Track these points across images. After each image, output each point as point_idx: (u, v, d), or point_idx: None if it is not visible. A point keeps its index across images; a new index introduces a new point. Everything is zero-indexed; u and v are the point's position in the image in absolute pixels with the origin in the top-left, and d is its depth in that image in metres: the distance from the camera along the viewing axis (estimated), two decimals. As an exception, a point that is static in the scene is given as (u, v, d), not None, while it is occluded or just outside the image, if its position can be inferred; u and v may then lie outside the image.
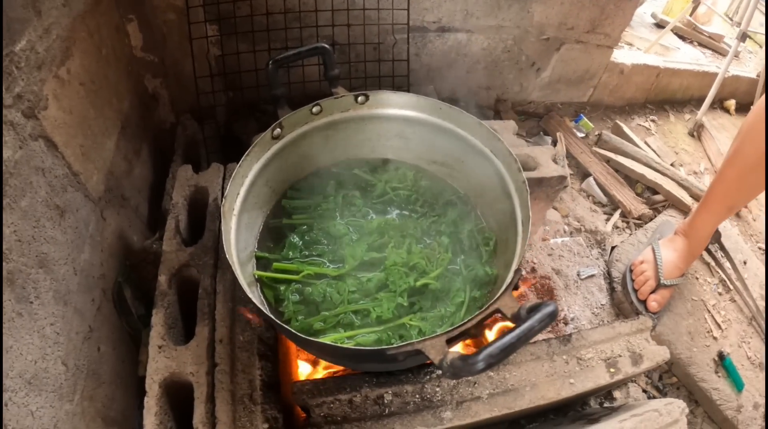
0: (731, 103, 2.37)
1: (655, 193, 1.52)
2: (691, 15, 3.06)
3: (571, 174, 1.47)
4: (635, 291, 1.18)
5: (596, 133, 1.65)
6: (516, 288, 0.50)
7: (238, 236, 0.64)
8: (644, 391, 1.19)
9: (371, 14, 1.18)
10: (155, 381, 0.61)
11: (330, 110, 0.74)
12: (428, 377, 0.65)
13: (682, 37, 2.87)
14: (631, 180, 1.57)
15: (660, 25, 2.86)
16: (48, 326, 0.66)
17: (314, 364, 0.79)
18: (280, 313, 0.66)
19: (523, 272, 1.03)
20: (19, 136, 0.64)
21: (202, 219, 0.81)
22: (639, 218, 1.42)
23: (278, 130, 0.70)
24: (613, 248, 1.33)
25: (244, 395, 0.61)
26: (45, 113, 0.71)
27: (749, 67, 2.51)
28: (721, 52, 2.78)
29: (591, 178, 1.43)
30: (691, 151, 1.90)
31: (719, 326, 1.32)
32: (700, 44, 2.91)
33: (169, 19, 1.08)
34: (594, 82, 1.68)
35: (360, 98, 0.74)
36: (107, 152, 0.92)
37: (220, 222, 0.62)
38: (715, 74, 2.08)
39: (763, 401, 1.25)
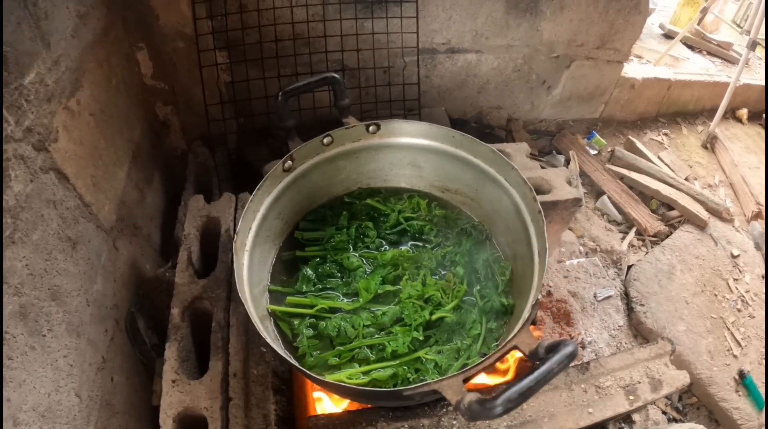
0: (743, 113, 2.37)
1: (671, 208, 1.52)
2: (698, 24, 3.06)
3: (585, 193, 1.47)
4: None
5: (609, 149, 1.65)
6: (533, 323, 0.50)
7: (251, 271, 0.65)
8: (664, 413, 1.19)
9: (380, 38, 1.19)
10: (169, 416, 0.62)
11: (341, 140, 0.75)
12: (444, 410, 0.64)
13: (691, 47, 2.87)
14: (645, 196, 1.57)
15: (668, 36, 2.87)
16: (61, 358, 0.67)
17: (330, 397, 0.79)
18: (294, 348, 0.66)
19: (540, 297, 1.03)
20: (29, 169, 0.65)
21: (215, 250, 0.82)
22: (655, 235, 1.42)
23: (289, 162, 0.71)
24: (629, 268, 1.32)
25: (263, 423, 0.61)
26: (55, 145, 0.72)
27: (760, 75, 2.50)
28: (730, 61, 2.78)
29: (605, 197, 1.43)
30: (705, 164, 1.89)
31: (739, 344, 1.31)
32: (710, 53, 2.92)
33: (179, 47, 1.10)
34: (605, 97, 1.69)
35: (371, 128, 0.75)
36: (119, 182, 0.93)
37: (233, 255, 0.62)
38: (727, 84, 2.08)
39: None
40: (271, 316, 0.68)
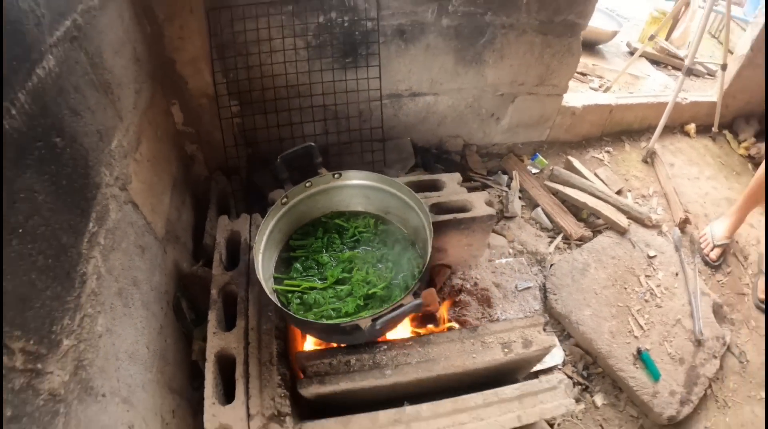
0: (691, 127, 2.78)
1: (598, 217, 1.97)
2: (667, 39, 3.47)
3: (523, 205, 1.92)
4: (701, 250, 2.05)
5: (550, 168, 2.10)
6: (416, 294, 0.94)
7: (263, 266, 1.10)
8: (569, 377, 1.63)
9: (355, 88, 1.65)
10: (211, 353, 1.07)
11: (317, 184, 1.19)
12: (378, 349, 1.09)
13: (657, 63, 3.29)
14: (578, 208, 2.01)
15: (634, 54, 3.28)
16: (138, 323, 1.11)
17: (309, 341, 1.25)
18: (288, 310, 1.12)
19: (469, 285, 1.47)
20: (118, 203, 1.10)
21: (237, 252, 1.28)
22: (580, 240, 1.85)
23: (285, 198, 1.16)
24: (551, 265, 1.77)
25: (266, 360, 1.06)
26: (131, 186, 1.17)
27: (711, 92, 2.90)
28: (695, 73, 3.19)
29: (539, 208, 1.88)
30: (642, 177, 2.32)
31: (641, 327, 1.74)
32: (675, 68, 3.32)
33: (203, 103, 1.56)
34: (549, 123, 2.13)
35: (335, 175, 1.19)
36: (165, 206, 1.38)
37: (250, 256, 1.08)
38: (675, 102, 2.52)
39: (679, 389, 1.68)
40: (274, 293, 1.12)
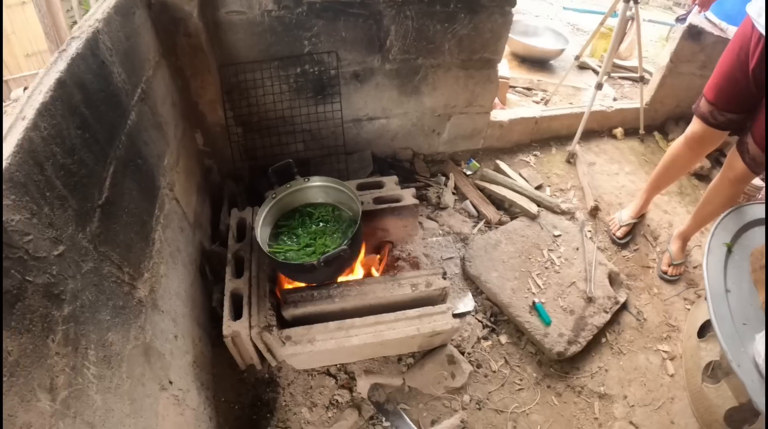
0: (618, 131, 3.47)
1: (515, 207, 2.71)
2: (614, 54, 4.18)
3: (456, 199, 2.67)
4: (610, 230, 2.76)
5: (481, 170, 2.85)
6: (349, 248, 1.69)
7: (261, 237, 1.85)
8: (481, 321, 2.36)
9: (327, 116, 2.42)
10: (228, 291, 1.80)
11: (294, 185, 1.90)
12: (332, 287, 1.82)
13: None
14: (501, 200, 2.74)
15: (582, 67, 4.00)
16: (180, 275, 1.78)
17: (288, 282, 2.01)
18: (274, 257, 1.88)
19: (404, 256, 2.22)
20: (169, 199, 1.83)
21: (244, 231, 2.04)
22: (498, 223, 2.60)
23: (274, 195, 1.91)
24: (471, 242, 2.53)
25: (262, 295, 1.79)
26: (175, 188, 1.90)
27: (635, 100, 3.47)
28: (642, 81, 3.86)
29: (467, 201, 2.63)
30: (563, 175, 3.04)
31: (539, 287, 2.46)
32: (622, 78, 4.04)
33: (217, 130, 2.30)
34: (482, 135, 2.87)
35: (305, 179, 1.92)
36: (193, 202, 2.13)
37: (253, 233, 1.84)
38: (600, 111, 3.26)
39: (567, 332, 2.39)
40: (267, 254, 1.89)
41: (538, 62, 3.99)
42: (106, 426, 1.08)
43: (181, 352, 1.61)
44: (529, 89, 3.63)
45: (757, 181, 3.01)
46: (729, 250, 2.12)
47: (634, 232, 2.90)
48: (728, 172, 2.35)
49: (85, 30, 1.32)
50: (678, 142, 2.50)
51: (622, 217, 2.86)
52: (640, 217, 2.97)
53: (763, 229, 2.22)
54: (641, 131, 3.43)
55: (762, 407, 1.68)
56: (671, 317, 2.60)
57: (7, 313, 0.83)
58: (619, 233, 2.82)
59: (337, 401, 1.94)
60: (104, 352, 1.12)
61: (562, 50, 3.85)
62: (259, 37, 2.13)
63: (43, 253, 0.94)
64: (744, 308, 1.93)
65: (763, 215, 2.26)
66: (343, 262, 1.78)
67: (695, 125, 2.37)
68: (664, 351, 2.46)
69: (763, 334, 1.80)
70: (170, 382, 1.46)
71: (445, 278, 1.93)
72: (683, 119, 3.56)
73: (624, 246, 2.85)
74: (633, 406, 2.26)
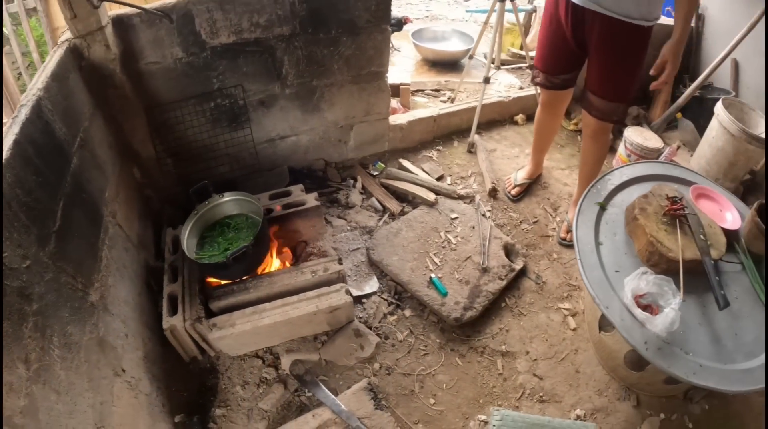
0: (519, 117, 4.02)
1: (416, 199, 3.29)
2: (522, 47, 4.74)
3: (363, 198, 3.24)
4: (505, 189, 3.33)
5: (387, 170, 3.44)
6: (252, 246, 2.27)
7: (188, 247, 2.42)
8: (386, 299, 2.88)
9: (242, 140, 3.00)
10: (166, 292, 2.35)
11: (212, 202, 2.46)
12: (248, 281, 2.39)
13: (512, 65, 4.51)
14: (405, 194, 3.28)
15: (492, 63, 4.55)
16: (128, 285, 2.22)
17: (216, 280, 2.59)
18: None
19: (316, 251, 2.80)
20: (112, 225, 2.31)
21: (178, 245, 2.63)
22: (401, 213, 3.18)
23: (196, 211, 2.47)
24: (375, 232, 3.10)
25: (193, 294, 2.31)
26: (117, 216, 2.36)
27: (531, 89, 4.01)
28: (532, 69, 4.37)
29: (373, 198, 3.22)
30: (464, 164, 3.57)
31: (436, 264, 3.02)
32: (530, 67, 4.59)
33: (151, 164, 2.84)
34: (385, 138, 3.41)
35: (221, 196, 2.48)
36: (136, 226, 2.63)
37: (184, 246, 2.42)
38: (498, 102, 3.84)
39: (463, 300, 2.95)
40: (193, 260, 2.45)
41: (448, 64, 4.58)
42: (69, 395, 1.46)
43: (132, 348, 2.01)
44: (437, 90, 4.21)
45: (653, 144, 3.56)
46: (603, 209, 2.44)
47: (531, 201, 3.46)
48: (587, 131, 2.92)
49: (30, 98, 1.76)
50: (538, 110, 3.14)
51: (516, 177, 3.45)
52: (535, 178, 3.54)
53: (636, 187, 2.59)
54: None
55: (632, 342, 1.93)
56: (572, 278, 3.05)
57: (-6, 306, 1.35)
58: (513, 191, 3.40)
59: (265, 378, 2.36)
60: (65, 339, 1.56)
61: (468, 50, 4.43)
62: (176, 81, 2.63)
63: (15, 265, 1.43)
64: (617, 257, 2.24)
65: (641, 173, 2.66)
66: (252, 258, 2.36)
67: (542, 94, 3.01)
68: (565, 308, 2.85)
69: (632, 276, 2.07)
70: (123, 370, 1.85)
71: (341, 264, 2.51)
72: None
73: (517, 201, 3.42)
74: (536, 359, 2.60)
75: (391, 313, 2.73)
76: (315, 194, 2.74)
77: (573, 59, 2.71)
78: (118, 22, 2.34)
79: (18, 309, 1.39)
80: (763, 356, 2.02)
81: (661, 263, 2.17)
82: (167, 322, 2.24)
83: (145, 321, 2.28)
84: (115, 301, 2.00)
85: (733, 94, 3.87)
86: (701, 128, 3.81)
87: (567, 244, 3.18)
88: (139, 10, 2.33)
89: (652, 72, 2.42)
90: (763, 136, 3.31)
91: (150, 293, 2.43)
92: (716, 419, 2.50)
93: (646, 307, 2.07)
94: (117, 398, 1.78)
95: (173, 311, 2.29)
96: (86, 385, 1.62)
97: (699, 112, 3.99)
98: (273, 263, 2.65)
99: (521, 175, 3.46)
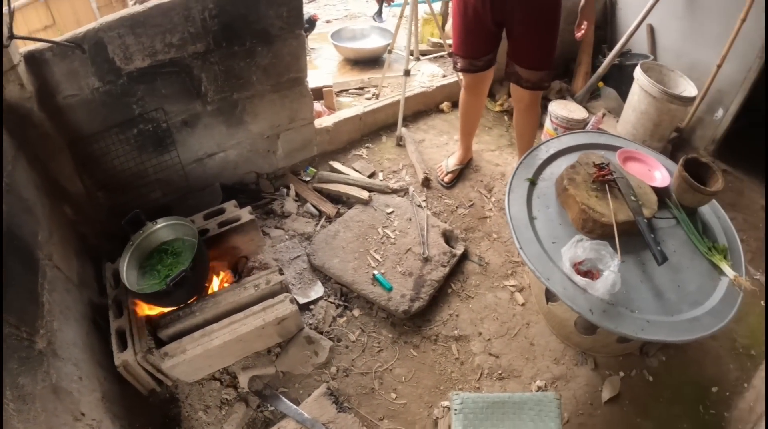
0: (445, 104, 4.21)
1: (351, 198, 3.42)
2: (442, 36, 4.88)
3: (298, 205, 3.34)
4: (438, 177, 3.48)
5: (318, 174, 3.54)
6: (190, 270, 2.37)
7: (129, 281, 2.48)
8: (333, 303, 2.93)
9: (171, 162, 3.07)
10: (114, 328, 2.41)
11: (147, 229, 2.53)
12: (192, 304, 2.48)
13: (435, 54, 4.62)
14: (339, 196, 3.40)
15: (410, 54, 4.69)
16: (74, 327, 2.24)
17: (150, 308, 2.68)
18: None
19: (257, 264, 2.90)
20: (49, 267, 2.30)
21: (118, 280, 2.70)
22: (337, 215, 3.30)
23: (131, 242, 2.53)
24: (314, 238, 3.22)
25: (140, 326, 2.41)
26: (54, 257, 2.36)
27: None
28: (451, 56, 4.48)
29: (308, 204, 3.34)
30: (394, 158, 3.71)
31: (378, 260, 3.17)
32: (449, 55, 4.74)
33: (81, 200, 2.86)
34: (314, 143, 3.51)
35: (154, 222, 2.55)
36: (75, 265, 2.63)
37: (123, 278, 2.50)
38: (422, 92, 4.00)
39: (409, 292, 3.08)
40: (134, 292, 2.52)
41: (370, 62, 4.71)
42: (30, 449, 1.48)
43: (88, 390, 2.00)
44: (361, 89, 4.33)
45: (578, 115, 3.77)
46: (533, 184, 2.57)
47: (465, 185, 3.63)
48: (519, 105, 3.17)
49: None
50: (462, 94, 3.32)
51: (448, 164, 3.61)
52: (466, 163, 3.71)
53: (564, 158, 2.78)
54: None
55: (577, 309, 2.04)
56: (513, 255, 3.23)
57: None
58: (446, 179, 3.56)
59: (226, 399, 2.42)
60: (18, 392, 1.53)
61: (387, 44, 4.54)
62: (96, 112, 2.65)
63: None
64: (552, 229, 2.37)
65: (568, 145, 2.87)
66: (193, 281, 2.46)
67: (465, 78, 3.18)
68: (511, 285, 3.00)
69: (568, 245, 2.19)
70: (83, 414, 1.85)
71: (282, 273, 2.63)
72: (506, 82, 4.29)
73: (450, 188, 3.57)
74: (489, 339, 2.73)
75: (340, 316, 2.82)
76: (248, 208, 2.83)
77: (491, 39, 2.92)
78: (30, 58, 2.35)
79: (-35, 366, 1.46)
80: (708, 303, 2.18)
81: (596, 229, 2.30)
82: (118, 358, 2.29)
83: (98, 360, 2.28)
84: (63, 344, 2.00)
85: (652, 57, 4.13)
86: (624, 94, 4.04)
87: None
88: (50, 44, 2.35)
89: (576, 29, 2.74)
90: (684, 94, 3.59)
91: (98, 331, 2.44)
92: (675, 368, 2.68)
93: (586, 274, 2.17)
94: (81, 444, 1.85)
95: (123, 346, 2.35)
96: (47, 436, 1.62)
97: (620, 79, 4.23)
98: (215, 283, 2.74)
99: (452, 162, 3.62)
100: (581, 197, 2.34)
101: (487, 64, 3.02)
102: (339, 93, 4.13)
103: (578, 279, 2.13)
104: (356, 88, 4.26)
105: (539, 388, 2.53)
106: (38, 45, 2.37)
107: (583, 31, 2.71)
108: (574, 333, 2.61)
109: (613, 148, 2.81)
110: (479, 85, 3.17)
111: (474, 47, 2.92)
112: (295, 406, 2.37)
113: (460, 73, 3.12)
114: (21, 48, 2.35)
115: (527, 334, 2.78)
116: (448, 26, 4.67)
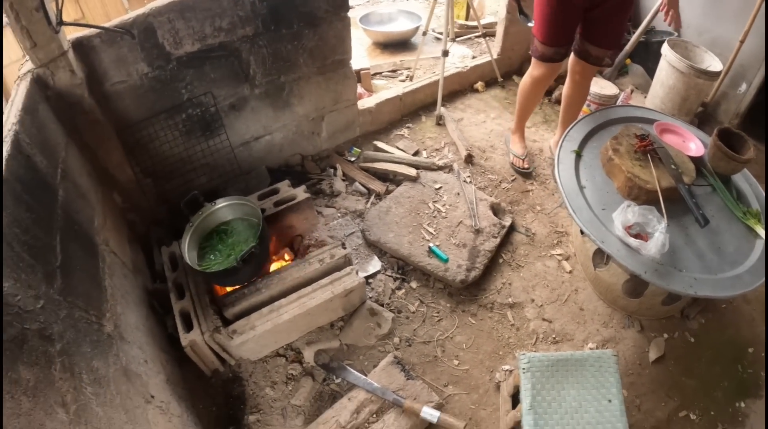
0: (480, 84, 4.05)
1: (398, 176, 3.26)
2: (467, 18, 4.75)
3: (346, 184, 3.18)
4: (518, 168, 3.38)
5: (363, 153, 3.38)
6: (257, 247, 2.19)
7: (191, 259, 2.32)
8: (391, 276, 2.87)
9: (218, 148, 2.90)
10: (177, 310, 2.25)
11: (206, 211, 2.36)
12: (257, 282, 2.31)
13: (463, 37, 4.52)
14: (386, 174, 3.25)
15: (438, 38, 4.54)
16: (135, 312, 2.14)
17: (225, 289, 2.50)
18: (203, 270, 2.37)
19: (313, 242, 2.73)
20: (107, 253, 2.24)
21: (176, 262, 2.51)
22: (386, 192, 3.14)
23: (191, 223, 2.38)
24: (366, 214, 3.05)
25: (204, 306, 2.24)
26: (110, 243, 2.33)
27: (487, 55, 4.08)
28: (485, 37, 4.34)
29: (356, 183, 3.16)
30: (435, 136, 3.57)
31: (432, 233, 3.02)
32: (477, 37, 4.60)
33: (130, 186, 2.73)
34: (356, 124, 3.37)
35: (212, 204, 2.39)
36: (128, 252, 2.53)
37: (184, 259, 2.31)
38: (457, 73, 3.82)
39: (464, 262, 2.95)
40: (199, 271, 2.34)
41: (399, 44, 4.55)
42: (111, 431, 1.47)
43: (154, 373, 1.94)
44: (394, 71, 4.17)
45: (609, 91, 3.69)
46: (578, 155, 2.56)
47: (506, 160, 3.53)
48: (576, 77, 3.09)
49: (8, 134, 1.67)
50: (527, 84, 3.16)
51: (516, 154, 3.46)
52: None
53: (605, 131, 2.73)
54: (499, 79, 4.03)
55: (633, 269, 2.06)
56: (558, 225, 3.16)
57: (19, 353, 1.25)
58: (526, 165, 3.43)
59: (292, 375, 2.34)
60: (94, 375, 1.53)
61: (417, 27, 4.41)
62: (144, 98, 2.52)
63: (30, 307, 1.36)
64: (601, 197, 2.37)
65: (605, 119, 2.80)
66: (259, 258, 2.27)
67: (542, 68, 3.02)
68: (558, 254, 2.97)
69: (618, 210, 2.19)
70: (152, 396, 1.85)
71: (345, 247, 2.45)
72: (535, 58, 4.14)
73: (531, 173, 3.44)
74: (542, 305, 2.72)
75: (399, 288, 2.76)
76: (303, 187, 2.67)
77: (576, 26, 2.86)
78: (79, 45, 2.21)
79: (43, 352, 1.32)
80: (747, 262, 2.22)
81: (641, 196, 2.33)
82: (185, 338, 2.15)
83: (159, 344, 2.21)
84: (128, 328, 1.93)
85: (676, 34, 4.02)
86: (650, 71, 4.01)
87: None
88: (99, 30, 2.21)
89: (664, 15, 2.79)
90: (710, 69, 3.53)
91: (155, 316, 2.36)
92: (714, 330, 2.70)
93: (636, 237, 2.18)
94: (154, 426, 1.75)
95: (188, 327, 2.20)
96: (124, 418, 1.56)
97: (646, 56, 4.20)
98: (276, 261, 2.57)
99: (518, 151, 3.49)
100: (626, 166, 2.37)
101: (569, 50, 2.97)
102: (372, 76, 3.95)
103: (631, 241, 2.14)
104: (389, 71, 4.09)
105: (592, 350, 2.50)
106: (87, 31, 2.25)
107: (669, 17, 2.75)
108: (620, 297, 2.61)
109: (649, 121, 2.80)
110: (550, 78, 3.11)
111: (565, 35, 2.86)
112: (363, 376, 2.30)
113: (541, 64, 2.96)
114: (69, 35, 2.23)
115: (576, 300, 2.77)
116: (476, 3, 4.57)
